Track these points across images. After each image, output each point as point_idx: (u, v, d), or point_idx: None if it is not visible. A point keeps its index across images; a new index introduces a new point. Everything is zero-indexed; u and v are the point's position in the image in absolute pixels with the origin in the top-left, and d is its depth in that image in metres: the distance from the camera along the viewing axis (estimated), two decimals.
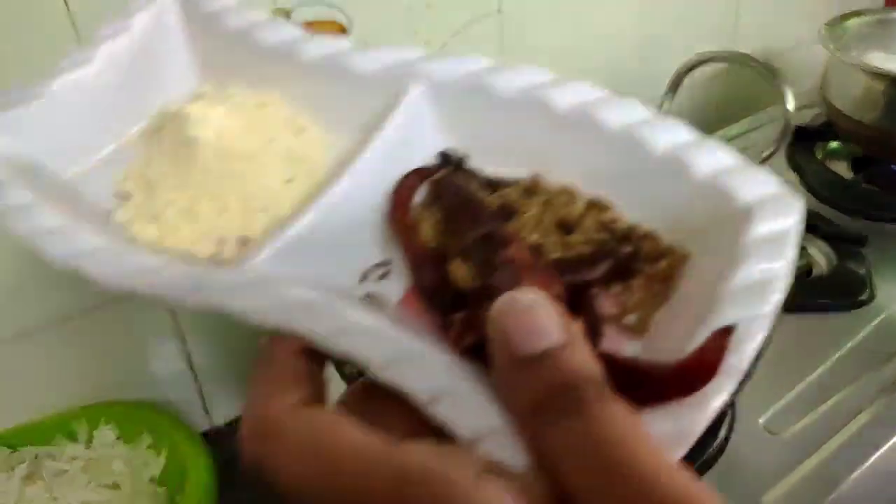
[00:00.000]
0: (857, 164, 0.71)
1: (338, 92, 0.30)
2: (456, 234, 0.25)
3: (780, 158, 0.72)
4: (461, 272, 0.24)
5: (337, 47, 0.30)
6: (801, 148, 0.73)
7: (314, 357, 0.22)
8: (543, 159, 0.27)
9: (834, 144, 0.74)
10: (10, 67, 0.44)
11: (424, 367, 0.21)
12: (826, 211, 0.64)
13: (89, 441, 0.56)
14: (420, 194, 0.27)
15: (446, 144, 0.28)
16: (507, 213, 0.26)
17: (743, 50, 0.78)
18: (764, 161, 0.46)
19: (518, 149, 0.28)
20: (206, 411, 0.64)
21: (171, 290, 0.23)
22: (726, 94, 0.83)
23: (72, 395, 0.57)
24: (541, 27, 0.65)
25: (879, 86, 0.64)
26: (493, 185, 0.27)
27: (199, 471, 0.53)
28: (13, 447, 0.54)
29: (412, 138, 0.28)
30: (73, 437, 0.56)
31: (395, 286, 0.25)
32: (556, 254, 0.24)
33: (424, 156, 0.28)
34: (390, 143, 0.27)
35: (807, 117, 0.77)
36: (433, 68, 0.28)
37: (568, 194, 0.27)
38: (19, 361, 0.53)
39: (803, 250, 0.56)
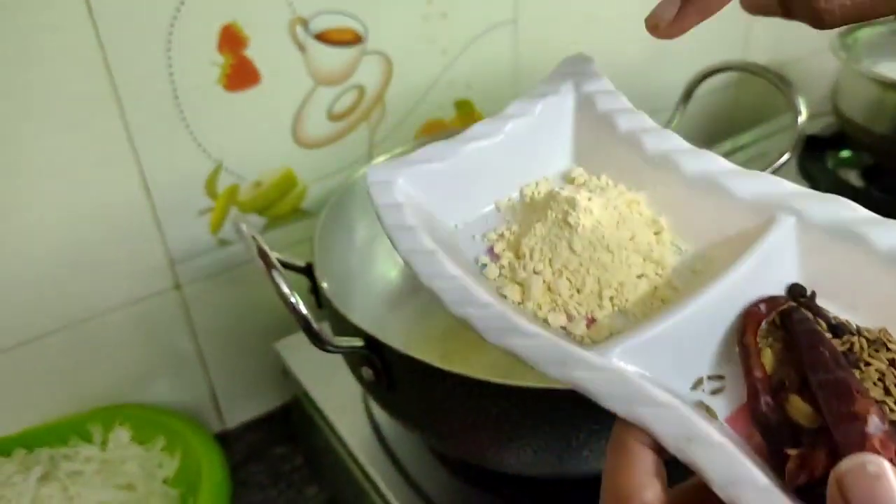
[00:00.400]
0: (868, 173, 0.72)
1: (704, 205, 0.32)
2: (798, 368, 0.26)
3: (791, 167, 0.73)
4: (801, 409, 0.24)
5: (718, 166, 0.32)
6: (812, 157, 0.73)
7: (662, 452, 0.24)
8: (894, 316, 0.28)
9: (845, 153, 0.74)
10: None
11: (765, 497, 0.22)
12: None
13: (104, 442, 0.56)
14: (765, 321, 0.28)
15: (799, 278, 0.29)
16: (852, 361, 0.26)
17: (754, 59, 0.78)
18: (775, 171, 0.46)
19: (871, 300, 0.28)
20: (219, 414, 0.64)
21: (542, 358, 0.26)
22: (737, 103, 0.84)
23: (87, 397, 0.57)
24: (554, 36, 0.66)
25: (891, 95, 0.65)
26: (838, 328, 0.27)
27: (213, 472, 0.54)
28: (29, 448, 0.55)
29: (772, 267, 0.29)
30: (88, 439, 0.56)
31: (725, 402, 0.27)
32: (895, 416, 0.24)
33: (778, 285, 0.29)
34: (753, 267, 0.28)
35: (818, 126, 0.78)
36: (806, 205, 0.29)
37: None
38: (35, 364, 0.54)
39: None
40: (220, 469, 0.55)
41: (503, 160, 0.35)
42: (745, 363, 0.27)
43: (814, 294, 0.29)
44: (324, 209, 0.48)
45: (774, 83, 0.48)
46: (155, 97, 0.50)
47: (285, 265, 0.44)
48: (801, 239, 0.29)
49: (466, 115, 0.64)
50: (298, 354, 0.57)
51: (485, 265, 0.32)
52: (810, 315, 0.28)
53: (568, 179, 0.36)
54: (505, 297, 0.31)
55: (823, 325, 0.27)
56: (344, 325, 0.39)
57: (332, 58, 0.55)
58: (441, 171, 0.33)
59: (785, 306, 0.28)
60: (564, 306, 0.30)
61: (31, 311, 0.52)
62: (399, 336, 0.52)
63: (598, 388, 0.25)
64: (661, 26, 0.30)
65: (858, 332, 0.27)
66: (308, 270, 0.44)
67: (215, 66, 0.51)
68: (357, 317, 0.39)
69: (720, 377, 0.27)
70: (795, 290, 0.29)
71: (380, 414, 0.52)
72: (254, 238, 0.35)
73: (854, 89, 0.69)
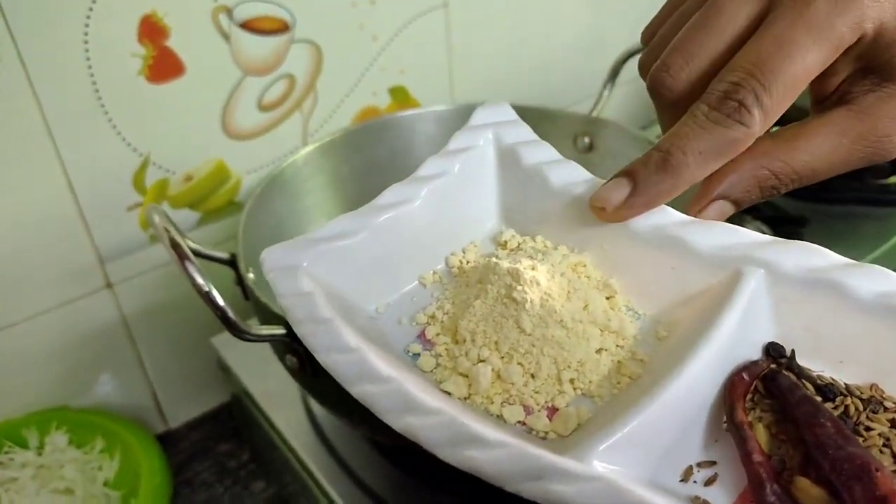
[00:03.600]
0: None
1: (659, 263, 0.28)
2: (796, 442, 0.24)
3: None
4: (813, 494, 0.22)
5: (669, 218, 0.29)
6: None
7: None
8: (888, 370, 0.25)
9: (775, 129, 0.75)
10: None
11: None
12: None
13: (40, 447, 0.55)
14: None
15: (775, 336, 0.27)
16: (850, 427, 0.24)
17: None
18: None
19: (856, 354, 0.26)
20: (162, 414, 0.63)
21: (511, 473, 0.22)
22: None
23: (21, 402, 0.56)
24: (486, 20, 0.65)
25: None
26: (827, 390, 0.25)
27: (152, 473, 0.53)
28: None
29: (747, 328, 0.26)
30: (23, 444, 0.55)
31: (723, 492, 0.24)
32: None
33: (754, 347, 0.26)
34: (730, 332, 0.25)
35: None
36: (773, 256, 0.27)
37: None
38: None
39: None
40: (160, 469, 0.54)
41: (423, 228, 0.31)
42: (742, 447, 0.24)
43: (793, 353, 0.26)
44: (249, 200, 0.47)
45: None
46: (74, 91, 0.48)
47: (209, 258, 0.43)
48: (773, 293, 0.26)
49: (401, 100, 0.64)
50: (235, 349, 0.56)
51: (417, 355, 0.28)
52: (794, 377, 0.25)
53: (499, 243, 0.32)
54: (448, 392, 0.26)
55: (810, 387, 0.25)
56: (267, 314, 0.39)
57: (259, 47, 0.54)
58: (352, 248, 0.29)
59: (766, 370, 0.26)
60: (520, 397, 0.26)
61: None
62: None
63: None
64: (608, 210, 0.28)
65: (849, 391, 0.25)
66: (233, 262, 0.43)
67: (136, 58, 0.50)
68: None
69: (711, 463, 0.25)
70: (774, 351, 0.27)
71: (318, 406, 0.52)
72: (166, 229, 0.34)
73: None
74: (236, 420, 0.63)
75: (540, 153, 0.32)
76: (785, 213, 0.61)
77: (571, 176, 0.31)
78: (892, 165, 0.69)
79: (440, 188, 0.31)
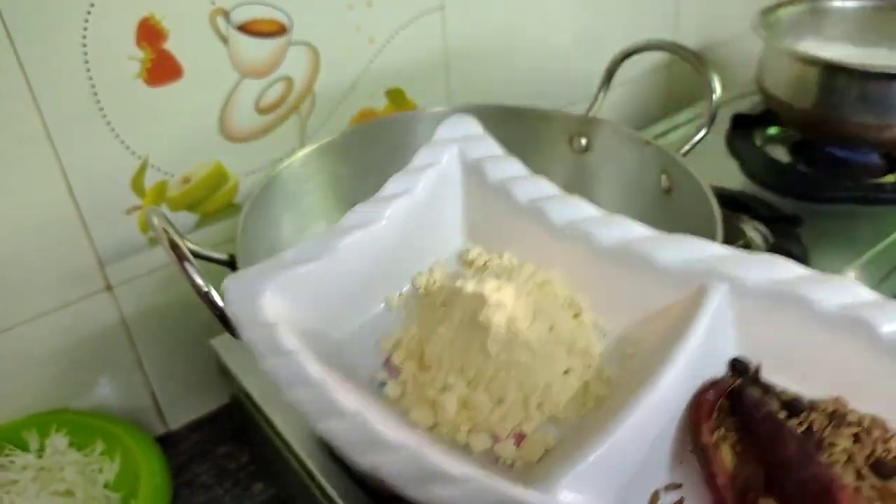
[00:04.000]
0: (795, 149, 0.73)
1: (625, 278, 0.28)
2: (760, 460, 0.24)
3: (721, 145, 0.74)
4: None
5: (635, 233, 0.28)
6: (740, 134, 0.75)
7: None
8: (851, 383, 0.25)
9: (772, 130, 0.76)
10: None
11: None
12: (764, 194, 0.66)
13: (41, 449, 0.55)
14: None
15: (739, 350, 0.27)
16: (815, 442, 0.24)
17: (685, 43, 0.80)
18: (693, 146, 0.47)
19: (820, 368, 0.26)
20: (161, 416, 0.63)
21: None
22: (668, 87, 0.85)
23: (21, 405, 0.56)
24: (483, 21, 0.66)
25: (811, 71, 0.66)
26: (792, 405, 0.25)
27: (152, 475, 0.53)
28: None
29: (713, 345, 0.26)
30: (23, 447, 0.55)
31: None
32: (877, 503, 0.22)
33: (719, 361, 0.26)
34: (696, 349, 0.25)
35: (748, 105, 0.80)
36: (738, 269, 0.26)
37: (881, 429, 0.24)
38: None
39: (741, 231, 0.57)
40: (160, 471, 0.54)
41: (388, 249, 0.31)
42: (707, 469, 0.24)
43: (759, 368, 0.27)
44: (247, 201, 0.48)
45: (690, 61, 0.49)
46: (72, 94, 0.49)
47: (208, 259, 0.43)
48: (737, 307, 0.26)
49: (398, 102, 0.64)
50: (235, 351, 0.56)
51: (384, 383, 0.28)
52: (760, 393, 0.26)
53: (465, 261, 0.32)
54: (415, 423, 0.26)
55: (775, 403, 0.25)
56: None
57: (257, 49, 0.55)
58: (316, 272, 0.29)
59: (732, 386, 0.26)
60: (486, 424, 0.26)
61: None
62: None
63: None
64: None
65: (813, 407, 0.25)
66: (231, 263, 0.44)
67: (134, 61, 0.50)
68: None
69: (677, 486, 0.25)
70: (738, 366, 0.27)
71: None
72: (165, 230, 0.34)
73: (777, 67, 0.70)
74: (236, 422, 0.63)
75: (506, 168, 0.32)
76: (780, 212, 0.62)
77: (538, 191, 0.31)
78: (888, 164, 0.69)
79: (404, 207, 0.31)
